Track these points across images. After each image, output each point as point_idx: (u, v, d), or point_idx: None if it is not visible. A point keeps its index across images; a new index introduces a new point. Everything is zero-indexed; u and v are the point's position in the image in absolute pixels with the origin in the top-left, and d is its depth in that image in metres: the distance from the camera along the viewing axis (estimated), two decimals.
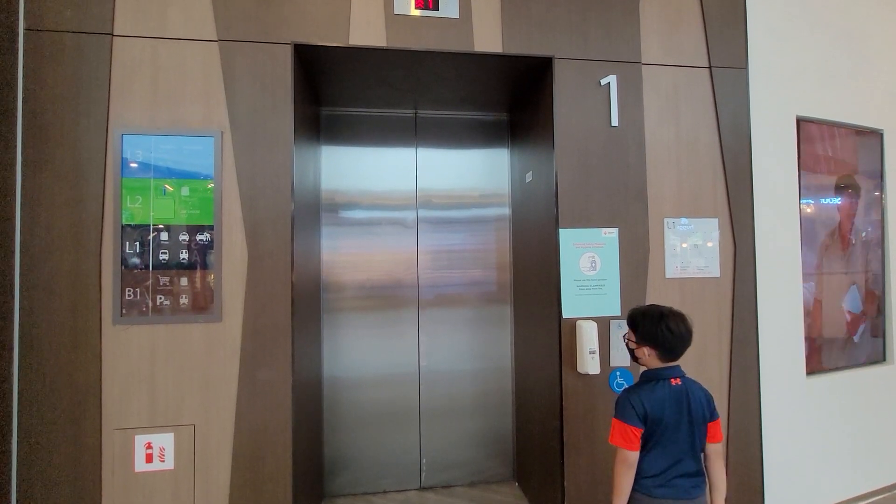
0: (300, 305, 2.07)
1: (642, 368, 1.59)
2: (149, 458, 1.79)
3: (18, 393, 1.74)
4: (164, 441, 1.80)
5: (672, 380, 1.50)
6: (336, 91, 2.56)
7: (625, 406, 1.48)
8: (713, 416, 1.51)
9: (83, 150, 1.81)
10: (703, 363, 2.22)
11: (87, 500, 1.76)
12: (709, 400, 1.53)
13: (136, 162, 1.85)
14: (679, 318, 1.51)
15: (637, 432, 1.45)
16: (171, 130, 1.87)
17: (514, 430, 2.92)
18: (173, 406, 1.83)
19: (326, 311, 2.78)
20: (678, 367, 1.53)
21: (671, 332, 1.48)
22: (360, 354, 2.81)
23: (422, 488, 2.82)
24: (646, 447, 1.47)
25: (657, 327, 1.49)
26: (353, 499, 2.70)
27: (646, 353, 1.53)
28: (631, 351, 1.60)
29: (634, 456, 1.45)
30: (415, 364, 2.87)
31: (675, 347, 1.50)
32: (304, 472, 2.18)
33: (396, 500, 2.68)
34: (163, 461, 1.80)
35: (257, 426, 1.87)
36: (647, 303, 2.17)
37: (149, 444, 1.79)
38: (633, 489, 1.47)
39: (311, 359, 2.45)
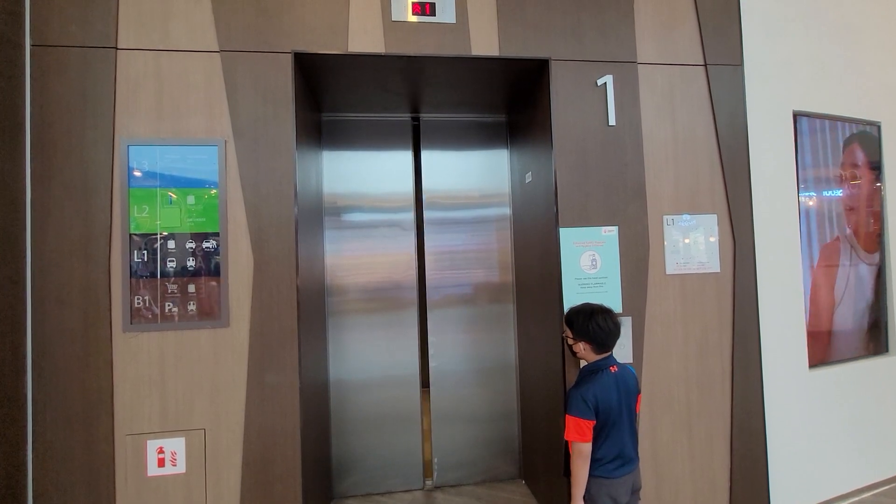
0: (305, 309, 2.10)
1: (582, 363, 1.76)
2: (161, 463, 1.82)
3: (33, 401, 1.78)
4: (176, 445, 1.84)
5: (610, 368, 1.68)
6: (336, 97, 2.59)
7: (577, 401, 1.61)
8: (638, 389, 1.73)
9: (90, 162, 1.85)
10: (704, 358, 2.24)
11: None
12: (635, 378, 1.74)
13: (142, 172, 1.88)
14: (607, 314, 1.69)
15: (590, 424, 1.60)
16: (176, 140, 1.91)
17: (519, 429, 2.94)
18: (184, 411, 1.86)
19: (332, 315, 2.81)
20: (612, 356, 1.71)
21: (600, 326, 1.65)
22: (366, 356, 2.84)
23: (434, 487, 2.85)
24: (600, 436, 1.63)
25: (588, 323, 1.66)
26: (362, 499, 2.73)
27: (582, 348, 1.70)
28: (569, 347, 1.79)
29: (588, 447, 1.60)
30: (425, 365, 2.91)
31: (605, 340, 1.66)
32: (313, 474, 2.21)
33: (405, 500, 2.71)
34: (175, 465, 1.83)
35: (266, 429, 1.90)
36: (648, 300, 2.20)
37: (160, 448, 1.83)
38: (593, 475, 1.61)
39: (318, 362, 2.48)
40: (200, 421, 1.87)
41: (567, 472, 1.67)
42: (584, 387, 1.64)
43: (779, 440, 2.38)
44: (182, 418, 1.86)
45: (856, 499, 2.64)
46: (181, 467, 1.84)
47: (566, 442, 1.65)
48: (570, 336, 1.75)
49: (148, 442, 1.83)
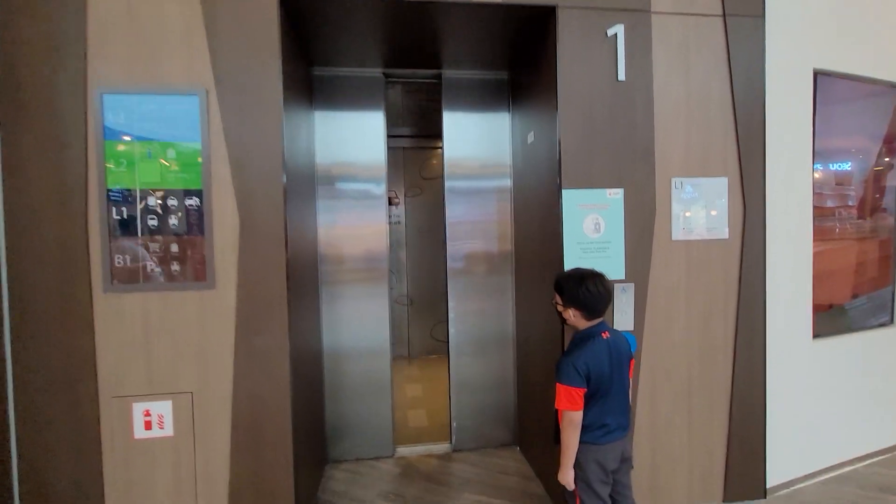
0: (296, 275, 2.02)
1: (574, 330, 1.67)
2: (148, 426, 1.78)
3: (13, 363, 1.71)
4: (163, 408, 1.79)
5: (602, 334, 1.60)
6: (326, 48, 2.42)
7: (568, 369, 1.55)
8: (631, 355, 1.68)
9: (62, 111, 1.72)
10: (707, 327, 2.18)
11: (88, 468, 1.76)
12: (629, 343, 1.68)
13: (118, 123, 1.76)
14: (598, 278, 1.60)
15: (581, 392, 1.54)
16: (154, 89, 1.77)
17: (516, 398, 2.92)
18: (170, 373, 1.80)
19: (326, 284, 2.73)
20: (604, 322, 1.64)
21: (590, 292, 1.57)
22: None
23: (454, 450, 2.87)
24: (589, 403, 1.57)
25: (578, 289, 1.58)
26: (357, 463, 2.73)
27: (572, 315, 1.62)
28: (559, 314, 1.69)
29: (580, 416, 1.55)
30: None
31: (595, 306, 1.59)
32: (305, 439, 2.18)
33: (399, 465, 2.71)
34: (162, 428, 1.79)
35: (255, 393, 1.85)
36: (652, 266, 2.12)
37: (147, 411, 1.78)
38: (581, 441, 1.57)
39: (310, 328, 2.42)
40: (188, 384, 1.82)
41: (557, 440, 1.62)
42: (575, 354, 1.57)
43: (778, 410, 2.34)
44: (168, 381, 1.80)
45: (850, 468, 2.64)
46: (169, 430, 1.80)
47: (556, 410, 1.61)
48: (560, 303, 1.66)
49: (134, 405, 1.78)
